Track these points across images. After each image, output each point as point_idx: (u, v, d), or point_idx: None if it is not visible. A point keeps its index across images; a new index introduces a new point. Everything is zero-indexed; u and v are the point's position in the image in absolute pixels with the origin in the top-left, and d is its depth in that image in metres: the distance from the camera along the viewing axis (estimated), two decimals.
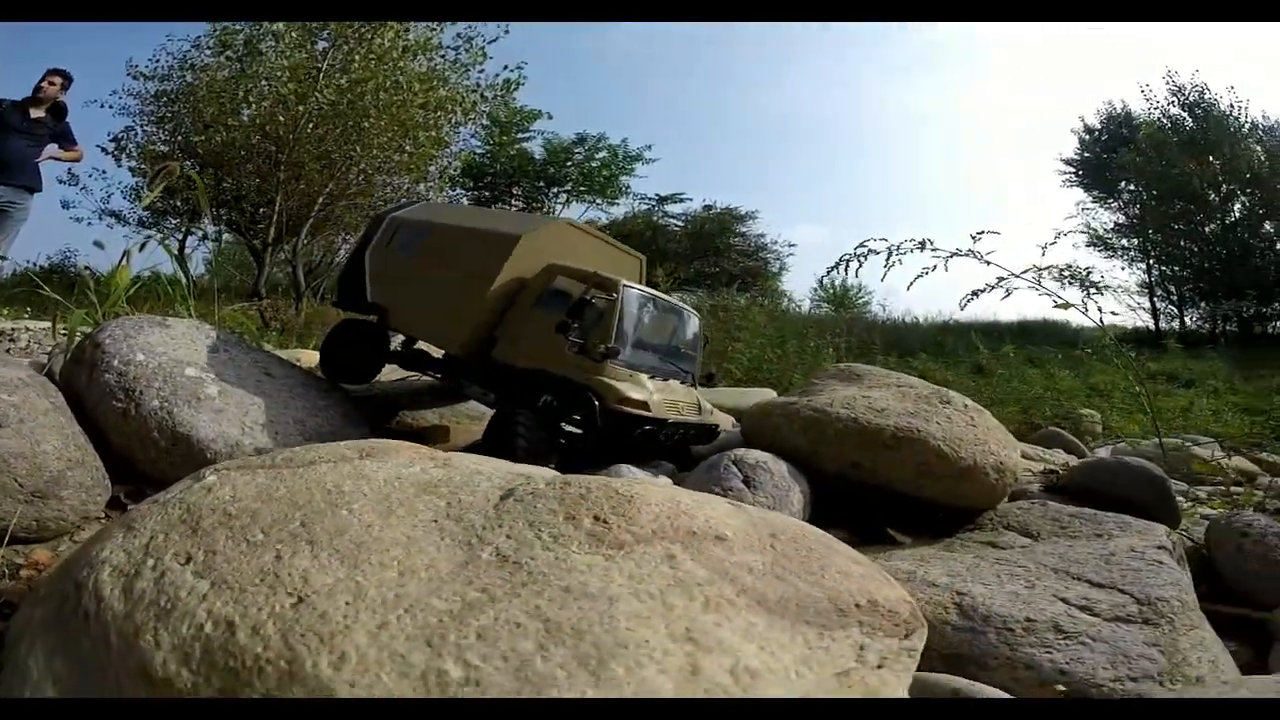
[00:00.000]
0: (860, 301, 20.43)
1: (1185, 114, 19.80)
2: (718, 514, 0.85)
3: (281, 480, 0.91)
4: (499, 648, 0.57)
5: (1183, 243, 19.41)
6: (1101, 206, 21.73)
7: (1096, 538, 1.90)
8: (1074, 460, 3.71)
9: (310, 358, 4.24)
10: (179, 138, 12.27)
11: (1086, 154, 22.35)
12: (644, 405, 1.93)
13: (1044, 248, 3.57)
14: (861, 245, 3.34)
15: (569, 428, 1.91)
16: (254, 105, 11.34)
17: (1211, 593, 1.92)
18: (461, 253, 2.30)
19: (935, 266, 3.25)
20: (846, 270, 3.38)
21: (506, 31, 12.49)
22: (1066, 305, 3.32)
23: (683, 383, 2.19)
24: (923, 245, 3.09)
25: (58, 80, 5.03)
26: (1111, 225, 21.27)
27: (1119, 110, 21.93)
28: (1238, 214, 18.79)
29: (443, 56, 12.42)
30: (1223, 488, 3.74)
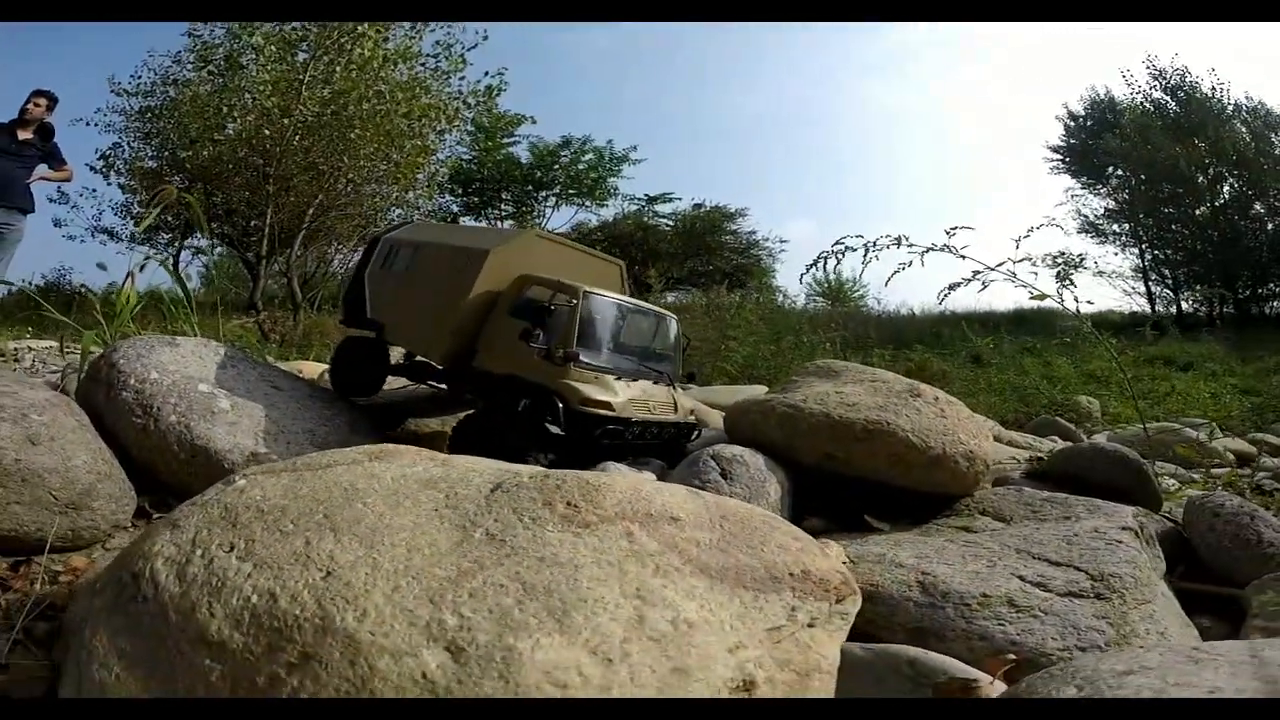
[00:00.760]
0: (855, 295, 20.50)
1: (1168, 98, 19.95)
2: (674, 499, 1.01)
3: (304, 481, 1.06)
4: (486, 603, 0.72)
5: (1174, 226, 19.43)
6: (1090, 192, 21.85)
7: (1064, 520, 1.98)
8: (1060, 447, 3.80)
9: (311, 369, 4.36)
10: (166, 153, 12.36)
11: (1072, 140, 22.42)
12: (607, 405, 2.03)
13: (1018, 240, 3.61)
14: (838, 243, 3.47)
15: (554, 429, 2.03)
16: (238, 119, 11.44)
17: (1189, 572, 2.00)
18: (440, 269, 2.43)
19: (911, 262, 3.37)
20: (824, 267, 3.52)
21: (485, 37, 12.57)
22: (1043, 296, 3.37)
23: (656, 383, 2.28)
24: (898, 241, 3.22)
25: (43, 101, 5.10)
26: (1102, 211, 21.38)
27: (1103, 96, 22.03)
28: (1227, 196, 18.85)
29: (423, 65, 12.50)
30: (1207, 470, 3.85)
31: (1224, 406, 7.95)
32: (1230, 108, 19.02)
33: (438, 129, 12.85)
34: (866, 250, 3.39)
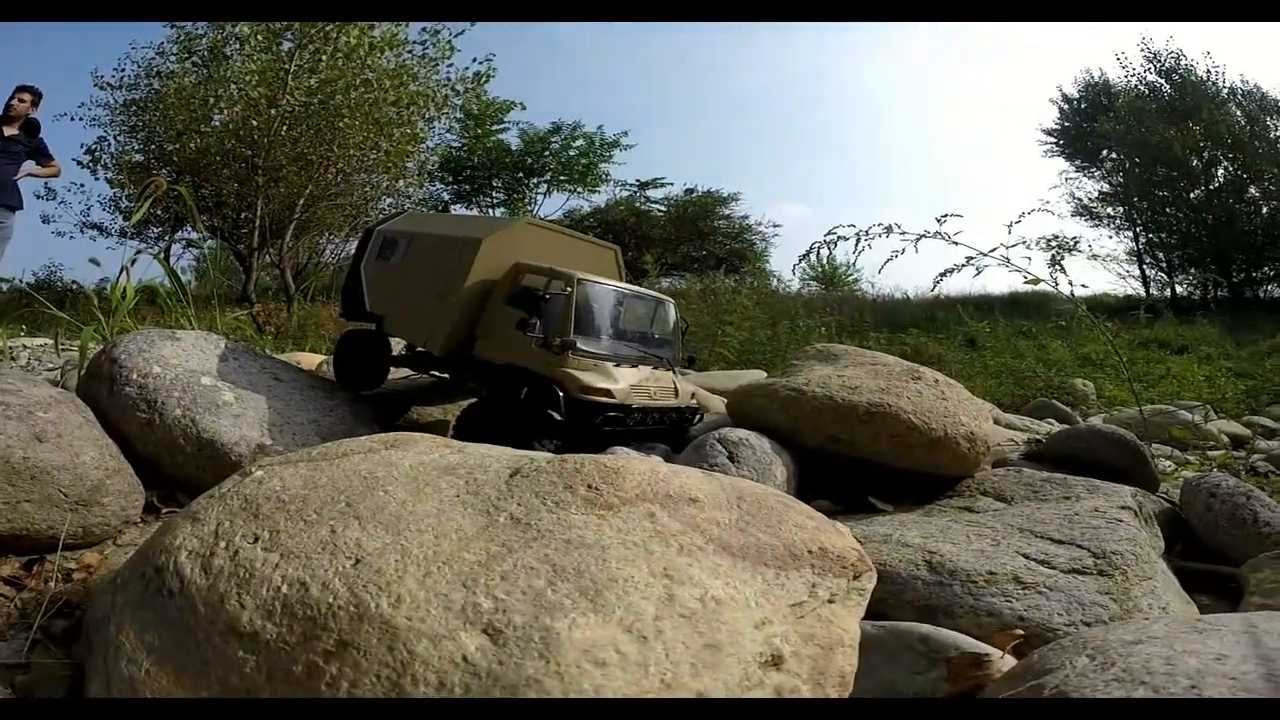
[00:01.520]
0: (850, 279, 20.50)
1: (1163, 81, 19.91)
2: (691, 481, 1.03)
3: (322, 471, 1.06)
4: (519, 585, 0.73)
5: (1168, 210, 19.42)
6: (1085, 176, 21.85)
7: (1065, 500, 2.00)
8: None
9: (308, 360, 4.35)
10: (153, 146, 12.23)
11: (1066, 124, 22.38)
12: (607, 393, 2.04)
13: (1010, 225, 3.64)
14: (831, 232, 3.48)
15: (557, 416, 2.05)
16: (225, 110, 11.31)
17: (1187, 551, 2.03)
18: (435, 259, 2.43)
19: (904, 250, 3.38)
20: (819, 256, 3.53)
21: (472, 23, 12.46)
22: (1036, 281, 3.38)
23: (657, 368, 2.29)
24: (889, 230, 3.24)
25: (27, 97, 5.03)
26: (1096, 194, 21.38)
27: (1097, 79, 21.97)
28: (1221, 180, 18.86)
29: (410, 52, 12.38)
30: (1203, 452, 3.90)
31: (1218, 389, 8.01)
32: (1225, 91, 18.99)
33: (426, 116, 12.75)
34: (858, 239, 3.41)
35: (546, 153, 21.54)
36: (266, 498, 0.98)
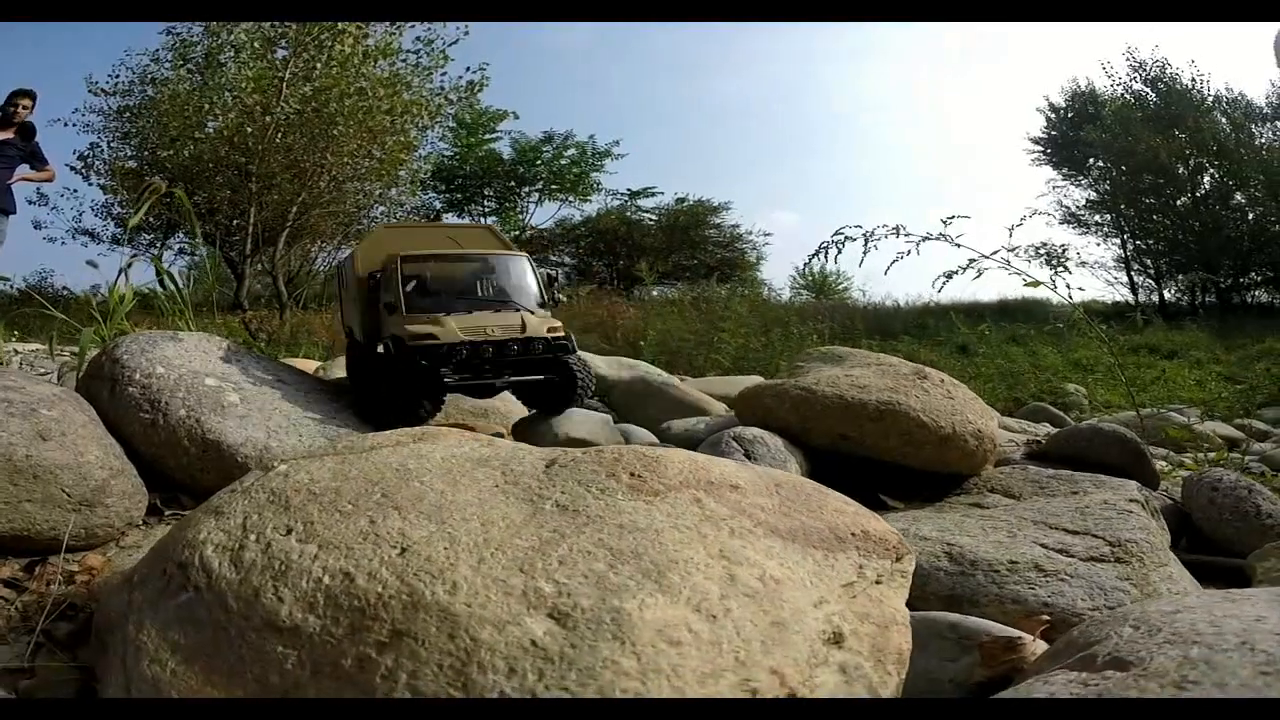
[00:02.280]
0: (840, 287, 20.64)
1: (1148, 89, 20.22)
2: (730, 469, 1.02)
3: (350, 464, 1.04)
4: (579, 569, 0.71)
5: (1155, 217, 19.72)
6: (1072, 184, 22.12)
7: (1073, 494, 2.04)
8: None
9: (304, 367, 4.31)
10: (146, 153, 12.18)
11: (1053, 132, 22.69)
12: (431, 336, 2.31)
13: (1011, 229, 3.70)
14: (838, 233, 3.51)
15: (449, 379, 2.32)
16: (219, 117, 11.30)
17: (1191, 546, 2.05)
18: (344, 277, 2.82)
19: (909, 251, 3.41)
20: (826, 257, 3.56)
21: (466, 33, 12.52)
22: (1036, 284, 3.42)
23: (498, 311, 2.52)
24: (896, 231, 3.27)
25: (29, 103, 5.00)
26: (1084, 202, 21.66)
27: (1083, 88, 22.30)
28: (1207, 186, 19.15)
29: (404, 60, 12.42)
30: (1198, 452, 3.94)
31: (1209, 392, 8.11)
32: (1210, 99, 19.33)
33: (420, 125, 12.77)
34: (865, 240, 3.44)
35: (538, 162, 21.61)
36: (296, 490, 0.95)
